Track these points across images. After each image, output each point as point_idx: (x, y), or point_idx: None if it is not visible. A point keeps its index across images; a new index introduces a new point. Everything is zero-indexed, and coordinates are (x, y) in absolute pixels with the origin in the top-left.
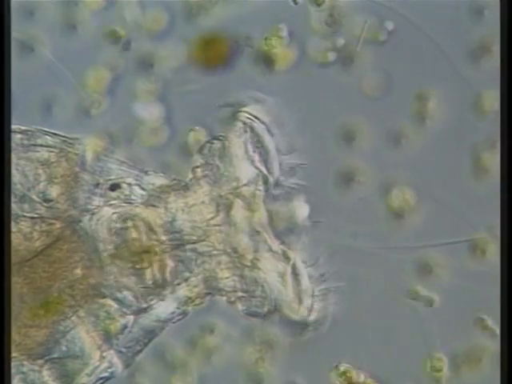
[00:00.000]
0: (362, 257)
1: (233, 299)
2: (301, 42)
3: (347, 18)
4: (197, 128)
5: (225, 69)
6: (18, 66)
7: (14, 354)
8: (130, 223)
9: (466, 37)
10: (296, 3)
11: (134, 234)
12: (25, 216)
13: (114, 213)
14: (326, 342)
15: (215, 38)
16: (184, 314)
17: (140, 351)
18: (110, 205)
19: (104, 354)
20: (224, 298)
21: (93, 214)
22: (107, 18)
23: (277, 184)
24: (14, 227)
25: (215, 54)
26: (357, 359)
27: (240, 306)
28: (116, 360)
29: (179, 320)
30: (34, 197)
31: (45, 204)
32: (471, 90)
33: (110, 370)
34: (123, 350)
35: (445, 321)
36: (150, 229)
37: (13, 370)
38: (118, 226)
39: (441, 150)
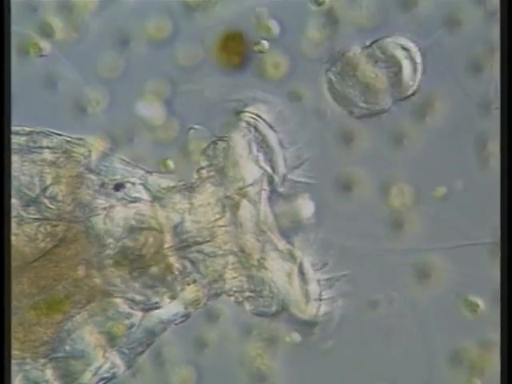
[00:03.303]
0: (362, 258)
1: (240, 299)
2: (301, 42)
3: (348, 16)
4: (196, 127)
5: (230, 69)
6: (18, 66)
7: (16, 352)
8: (135, 223)
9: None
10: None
11: (140, 235)
12: (30, 218)
13: (118, 212)
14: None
15: (219, 39)
16: (187, 315)
17: (142, 352)
18: (115, 205)
19: (107, 355)
20: (232, 298)
21: (97, 214)
22: (107, 19)
23: (282, 183)
24: (19, 229)
25: (221, 54)
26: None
27: (248, 306)
28: (118, 361)
29: (181, 322)
30: (40, 198)
31: (50, 205)
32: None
33: (112, 371)
34: (125, 350)
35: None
36: (157, 230)
37: (16, 368)
38: (123, 225)
39: (441, 151)
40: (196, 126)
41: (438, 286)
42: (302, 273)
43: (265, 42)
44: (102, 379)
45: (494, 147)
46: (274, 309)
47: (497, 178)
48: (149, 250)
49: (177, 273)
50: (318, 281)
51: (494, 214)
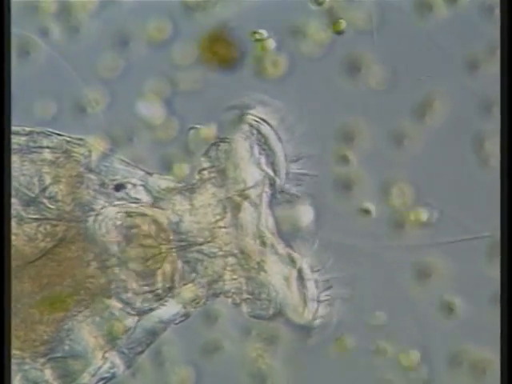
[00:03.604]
0: (362, 257)
1: (238, 301)
2: (301, 42)
3: (348, 16)
4: (197, 126)
5: (231, 70)
6: (18, 66)
7: (16, 352)
8: (135, 224)
9: (470, 36)
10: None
11: (140, 235)
12: (30, 217)
13: (118, 212)
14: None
15: (221, 39)
16: (187, 315)
17: (142, 352)
18: (115, 205)
19: (106, 355)
20: (229, 299)
21: (98, 214)
22: (106, 19)
23: (283, 187)
24: (19, 229)
25: (221, 54)
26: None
27: (245, 309)
28: (118, 361)
29: (181, 322)
30: (39, 198)
31: (50, 205)
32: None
33: (111, 371)
34: (125, 350)
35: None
36: (157, 230)
37: (15, 368)
38: (124, 226)
39: (442, 150)
40: (196, 125)
41: (438, 284)
42: (301, 277)
43: (263, 31)
44: (102, 379)
45: (494, 147)
46: (271, 312)
47: (497, 178)
48: (149, 250)
49: (176, 273)
50: (317, 283)
51: (494, 214)
